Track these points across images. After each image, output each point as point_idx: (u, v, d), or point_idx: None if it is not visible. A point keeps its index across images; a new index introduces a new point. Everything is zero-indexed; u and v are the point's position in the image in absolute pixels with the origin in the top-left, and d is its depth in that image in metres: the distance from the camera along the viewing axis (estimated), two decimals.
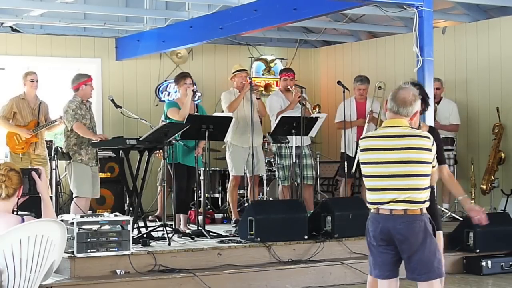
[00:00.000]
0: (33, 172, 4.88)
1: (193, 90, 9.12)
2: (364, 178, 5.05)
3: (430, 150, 4.93)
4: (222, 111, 11.88)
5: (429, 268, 4.96)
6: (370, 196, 5.01)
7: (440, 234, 5.82)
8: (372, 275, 5.23)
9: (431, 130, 5.88)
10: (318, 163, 11.76)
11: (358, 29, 12.83)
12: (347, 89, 10.20)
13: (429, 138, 4.96)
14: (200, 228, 8.87)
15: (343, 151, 10.41)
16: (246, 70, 10.13)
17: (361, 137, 5.13)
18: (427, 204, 4.97)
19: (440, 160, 5.47)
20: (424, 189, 4.92)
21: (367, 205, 5.07)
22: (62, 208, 9.76)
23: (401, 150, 4.89)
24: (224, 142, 9.89)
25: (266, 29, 11.48)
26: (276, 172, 10.14)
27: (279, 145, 9.89)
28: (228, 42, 13.06)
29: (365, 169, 5.02)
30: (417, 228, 4.90)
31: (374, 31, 12.90)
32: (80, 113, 8.64)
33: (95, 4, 11.35)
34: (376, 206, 4.97)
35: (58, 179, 9.16)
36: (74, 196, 8.69)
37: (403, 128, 4.96)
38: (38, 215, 5.19)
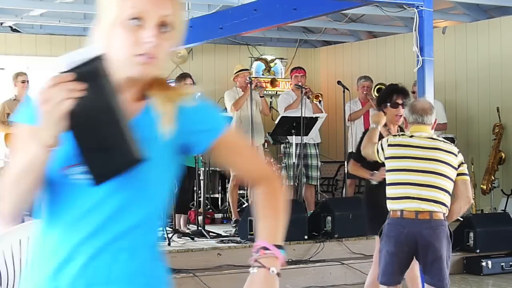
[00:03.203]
0: None
1: None
2: (387, 173, 5.08)
3: (456, 155, 5.04)
4: (222, 111, 11.90)
5: (448, 276, 5.02)
6: (391, 191, 5.02)
7: None
8: (378, 281, 5.20)
9: None
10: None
11: (358, 29, 12.83)
12: (347, 89, 10.22)
13: (454, 145, 5.15)
14: (200, 228, 8.87)
15: (351, 150, 10.39)
16: (248, 70, 10.14)
17: (391, 135, 5.24)
18: (447, 210, 4.99)
19: None
20: (446, 191, 4.96)
21: (387, 202, 5.05)
22: None
23: (430, 149, 5.00)
24: None
25: (266, 29, 11.47)
26: (280, 171, 10.15)
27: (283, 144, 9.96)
28: (228, 42, 13.06)
29: (390, 163, 5.07)
30: (442, 234, 4.95)
31: (374, 31, 12.90)
32: None
33: (95, 4, 11.33)
34: (398, 207, 4.95)
35: None
36: None
37: (430, 134, 5.11)
38: None
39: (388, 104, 5.77)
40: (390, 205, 5.01)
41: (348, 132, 10.57)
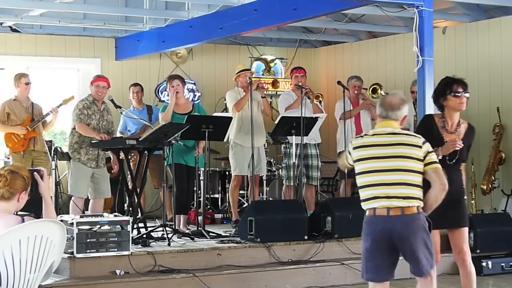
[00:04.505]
0: (35, 173, 4.88)
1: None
2: (357, 176, 5.11)
3: (420, 147, 5.04)
4: (223, 111, 11.90)
5: (428, 263, 5.05)
6: (362, 194, 5.09)
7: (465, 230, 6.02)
8: (364, 279, 5.22)
9: (470, 128, 6.23)
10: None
11: (358, 29, 12.83)
12: (347, 89, 10.22)
13: (419, 137, 5.11)
14: (200, 228, 8.87)
15: (342, 149, 10.37)
16: (250, 70, 10.13)
17: (355, 137, 5.28)
18: (421, 203, 5.01)
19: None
20: (416, 185, 4.99)
21: (361, 203, 5.10)
22: (61, 208, 9.76)
23: (392, 146, 5.02)
24: (225, 142, 9.87)
25: (266, 29, 11.48)
26: (280, 171, 10.15)
27: (284, 144, 9.99)
28: (228, 42, 13.05)
29: (357, 166, 5.11)
30: (416, 227, 4.97)
31: (374, 31, 12.90)
32: (86, 113, 8.67)
33: (95, 4, 11.34)
34: (371, 206, 5.00)
35: (58, 179, 9.16)
36: (69, 193, 8.76)
37: (394, 128, 5.10)
38: (38, 215, 5.18)
39: (449, 94, 5.77)
40: (363, 206, 5.08)
41: (338, 131, 10.56)
